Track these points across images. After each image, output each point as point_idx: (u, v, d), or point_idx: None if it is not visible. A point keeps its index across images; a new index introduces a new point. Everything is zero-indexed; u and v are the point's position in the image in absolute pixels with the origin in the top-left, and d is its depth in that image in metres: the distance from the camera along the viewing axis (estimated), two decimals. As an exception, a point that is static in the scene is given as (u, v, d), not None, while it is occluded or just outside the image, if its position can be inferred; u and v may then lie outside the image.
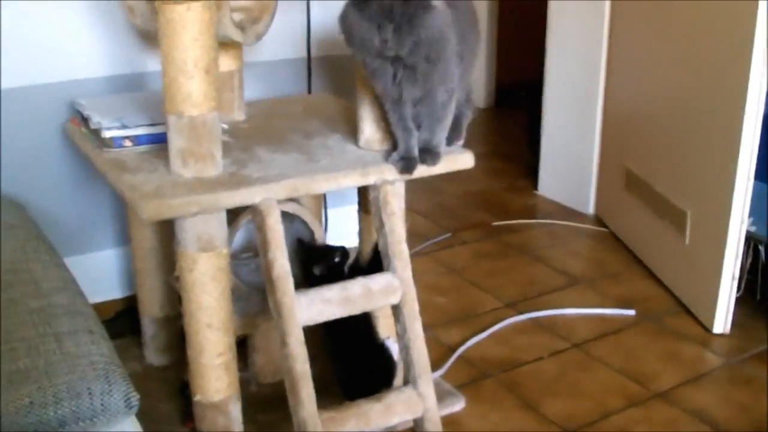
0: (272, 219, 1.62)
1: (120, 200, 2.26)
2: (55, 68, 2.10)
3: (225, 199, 1.60)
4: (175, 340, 2.15)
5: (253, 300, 1.93)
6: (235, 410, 1.81)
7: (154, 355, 2.16)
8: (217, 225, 1.66)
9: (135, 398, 1.30)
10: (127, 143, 1.81)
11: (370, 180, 1.73)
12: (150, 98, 2.03)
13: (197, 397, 1.77)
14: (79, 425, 1.24)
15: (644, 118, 2.76)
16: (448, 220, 3.13)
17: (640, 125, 2.78)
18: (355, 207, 2.58)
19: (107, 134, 1.79)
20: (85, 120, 1.93)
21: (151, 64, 2.22)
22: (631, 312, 2.47)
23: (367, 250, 1.94)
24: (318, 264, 1.86)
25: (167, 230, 2.05)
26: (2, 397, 1.21)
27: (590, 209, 3.20)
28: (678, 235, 2.52)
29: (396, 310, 1.75)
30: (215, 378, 1.76)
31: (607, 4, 2.93)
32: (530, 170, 3.55)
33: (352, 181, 1.71)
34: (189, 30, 1.55)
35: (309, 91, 2.44)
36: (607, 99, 3.03)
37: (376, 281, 1.72)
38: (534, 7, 3.91)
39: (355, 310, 1.70)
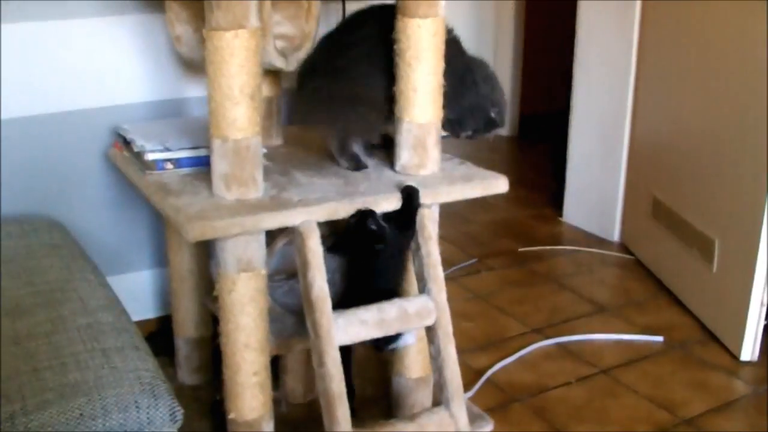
0: (312, 241, 1.66)
1: (157, 223, 2.31)
2: (98, 94, 2.16)
3: (266, 220, 1.64)
4: (207, 361, 2.19)
5: (287, 322, 1.96)
6: (268, 429, 1.84)
7: (186, 375, 2.19)
8: (257, 247, 1.70)
9: (179, 412, 1.34)
10: (169, 166, 1.86)
11: (407, 204, 1.76)
12: (190, 123, 2.08)
13: (232, 415, 1.80)
14: (127, 438, 1.28)
15: (671, 146, 2.79)
16: (474, 247, 3.16)
17: (668, 153, 2.81)
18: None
19: (150, 157, 1.84)
20: (127, 144, 1.98)
21: (191, 90, 2.27)
22: (659, 338, 2.48)
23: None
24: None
25: (204, 253, 2.10)
26: (54, 409, 1.25)
27: (616, 237, 3.22)
28: (705, 263, 2.54)
29: (430, 332, 1.78)
30: (250, 397, 1.79)
31: (636, 34, 2.97)
32: (555, 198, 3.58)
33: (391, 204, 1.75)
34: (236, 57, 1.59)
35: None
36: (633, 127, 3.06)
37: (412, 303, 1.75)
38: (559, 37, 3.95)
39: (391, 331, 1.74)
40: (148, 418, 1.29)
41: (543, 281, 2.92)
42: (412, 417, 1.74)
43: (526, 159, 4.32)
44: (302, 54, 1.90)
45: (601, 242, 3.23)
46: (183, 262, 2.10)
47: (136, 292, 2.34)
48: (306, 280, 1.67)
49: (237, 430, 1.81)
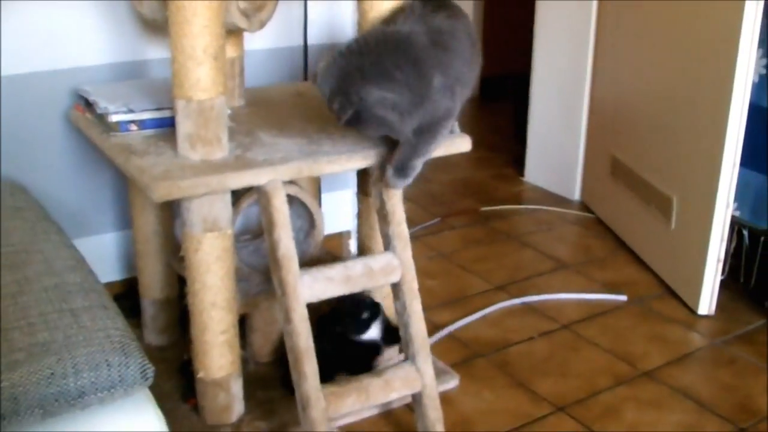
0: (278, 200, 1.67)
1: (121, 185, 2.29)
2: (57, 56, 2.13)
3: (232, 180, 1.65)
4: (174, 322, 2.20)
5: (253, 281, 1.98)
6: (237, 387, 1.86)
7: (153, 336, 2.20)
8: (223, 206, 1.71)
9: (150, 370, 1.35)
10: (133, 127, 1.85)
11: (369, 162, 1.78)
12: (153, 84, 2.07)
13: (200, 374, 1.82)
14: (98, 395, 1.29)
15: (630, 107, 2.83)
16: (437, 207, 3.19)
17: (627, 114, 2.85)
18: (349, 192, 2.66)
19: (114, 118, 1.83)
20: (89, 106, 1.97)
21: (152, 51, 2.25)
22: (623, 297, 2.53)
23: (366, 231, 1.99)
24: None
25: (168, 214, 2.10)
26: (24, 369, 1.25)
27: (576, 196, 3.26)
28: (664, 221, 2.59)
29: (395, 288, 1.81)
30: (218, 355, 1.81)
31: (596, -4, 3.00)
32: (516, 159, 3.61)
33: (355, 164, 1.76)
34: (199, 17, 1.59)
35: (305, 79, 2.48)
36: (593, 89, 3.10)
37: (377, 260, 1.78)
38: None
39: (357, 288, 1.76)
40: (119, 376, 1.30)
41: (505, 239, 2.95)
42: (379, 372, 1.76)
43: (488, 120, 4.35)
44: (265, 14, 1.90)
45: (561, 201, 3.28)
46: (147, 224, 2.09)
47: (101, 254, 2.33)
48: (272, 239, 1.68)
49: (205, 390, 1.83)
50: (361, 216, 2.01)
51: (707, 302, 2.42)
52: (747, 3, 2.15)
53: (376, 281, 1.78)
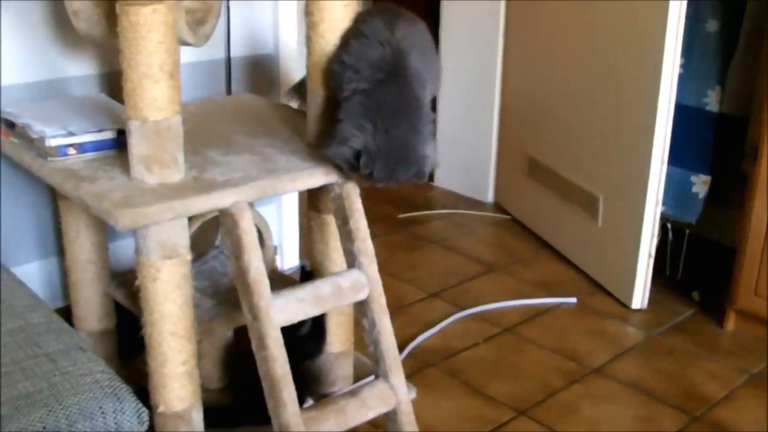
0: (245, 222, 1.60)
1: (42, 210, 2.16)
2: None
3: (197, 204, 1.57)
4: (113, 354, 2.08)
5: (205, 305, 1.90)
6: (198, 419, 1.77)
7: (89, 370, 2.07)
8: (181, 231, 1.63)
9: (145, 413, 1.27)
10: (72, 151, 1.74)
11: (332, 178, 1.73)
12: (81, 103, 1.95)
13: (160, 409, 1.72)
14: (93, 446, 1.20)
15: (546, 106, 2.86)
16: (353, 216, 3.14)
17: (542, 113, 2.88)
18: (272, 207, 2.59)
19: (52, 143, 1.71)
20: (11, 128, 1.84)
21: (71, 69, 2.12)
22: (573, 300, 2.56)
23: (320, 249, 1.93)
24: None
25: (103, 241, 1.99)
26: (13, 425, 1.15)
27: (490, 198, 3.29)
28: (589, 219, 2.63)
29: (364, 305, 1.76)
30: (179, 387, 1.72)
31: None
32: (423, 163, 3.60)
33: (318, 180, 1.71)
34: (154, 33, 1.50)
35: (228, 92, 2.40)
36: (504, 88, 3.11)
37: (344, 278, 1.73)
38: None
39: (328, 307, 1.72)
40: (115, 423, 1.21)
41: (427, 245, 2.95)
42: (354, 392, 1.72)
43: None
44: (208, 28, 1.82)
45: (476, 204, 3.29)
46: (82, 252, 1.97)
47: (23, 287, 2.18)
48: (241, 263, 1.60)
49: (166, 423, 1.74)
50: (313, 234, 1.95)
51: (640, 297, 2.48)
52: (671, 3, 2.21)
53: (345, 299, 1.73)
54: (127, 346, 2.01)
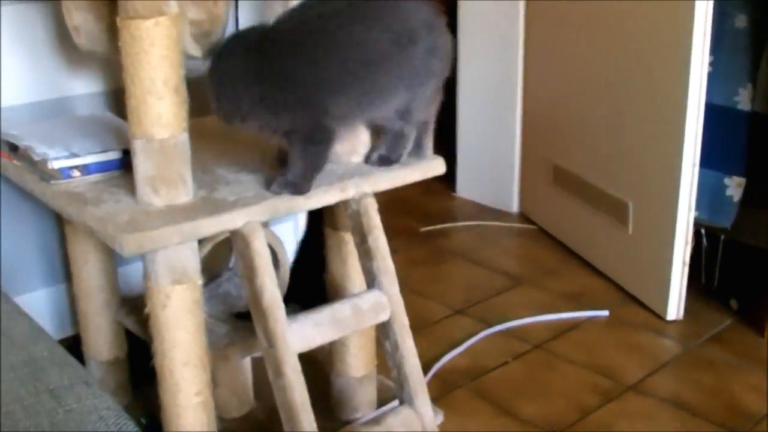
0: (257, 243, 1.54)
1: (49, 236, 2.11)
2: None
3: (206, 226, 1.51)
4: (125, 383, 2.04)
5: (219, 331, 1.85)
6: (215, 451, 1.72)
7: (101, 401, 2.02)
8: (191, 254, 1.57)
9: (154, 452, 1.20)
10: (76, 173, 1.69)
11: (349, 194, 1.67)
12: (83, 122, 1.91)
13: (174, 442, 1.66)
14: (99, 489, 1.14)
15: (571, 110, 2.79)
16: (372, 230, 3.09)
17: (567, 118, 2.81)
18: (290, 225, 2.53)
19: (55, 165, 1.66)
20: (14, 150, 1.79)
21: (74, 87, 2.08)
22: (605, 312, 2.48)
23: (338, 269, 1.87)
24: None
25: (112, 266, 1.94)
26: (13, 468, 1.09)
27: (514, 207, 3.21)
28: (619, 226, 2.56)
29: (385, 327, 1.70)
30: (193, 419, 1.66)
31: (522, -3, 2.95)
32: (444, 173, 3.54)
33: (333, 197, 1.65)
34: (157, 47, 1.45)
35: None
36: (526, 93, 3.04)
37: (364, 299, 1.66)
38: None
39: (347, 330, 1.66)
40: (123, 464, 1.15)
41: (451, 258, 2.88)
42: (378, 419, 1.65)
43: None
44: (213, 39, 1.76)
45: (500, 214, 3.22)
46: (90, 278, 1.93)
47: (32, 315, 2.13)
48: (255, 286, 1.55)
49: (181, 458, 1.68)
50: (330, 252, 1.89)
51: (675, 307, 2.40)
52: (697, 2, 2.14)
53: (366, 321, 1.67)
54: (140, 374, 1.95)
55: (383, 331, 1.71)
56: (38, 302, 2.15)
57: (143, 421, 1.90)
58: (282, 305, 1.55)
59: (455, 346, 2.31)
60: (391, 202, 3.37)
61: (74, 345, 2.02)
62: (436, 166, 1.83)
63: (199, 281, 1.60)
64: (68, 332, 2.18)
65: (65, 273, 2.10)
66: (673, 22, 2.24)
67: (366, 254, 1.70)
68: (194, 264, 1.58)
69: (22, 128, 1.84)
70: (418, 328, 2.39)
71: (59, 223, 2.02)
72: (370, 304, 1.67)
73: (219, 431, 1.91)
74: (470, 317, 2.48)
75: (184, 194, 1.56)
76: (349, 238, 1.80)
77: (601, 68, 2.59)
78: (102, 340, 1.98)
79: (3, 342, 1.38)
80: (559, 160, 2.88)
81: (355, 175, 1.70)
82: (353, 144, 1.75)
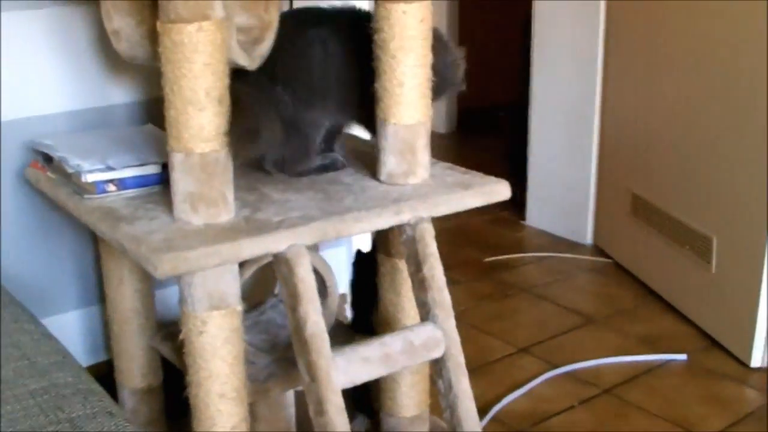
0: (302, 269, 1.51)
1: (83, 254, 2.11)
2: (7, 105, 1.95)
3: (247, 248, 1.49)
4: (159, 414, 2.03)
5: (260, 363, 1.82)
6: (251, 492, 1.69)
7: (134, 432, 2.01)
8: (231, 279, 1.55)
9: (178, 492, 1.17)
10: (111, 188, 1.68)
11: (404, 218, 1.64)
12: (123, 134, 1.92)
13: (208, 480, 1.64)
14: None
15: (652, 137, 2.75)
16: (433, 259, 3.07)
17: (647, 145, 2.77)
18: (342, 249, 2.51)
19: (89, 178, 1.66)
20: (50, 162, 1.80)
21: (116, 96, 2.08)
22: (683, 357, 2.43)
23: (391, 298, 1.84)
24: None
25: (148, 288, 1.93)
26: (25, 504, 1.07)
27: (588, 239, 3.17)
28: (702, 263, 2.51)
29: (439, 364, 1.66)
30: (229, 455, 1.64)
31: (602, 19, 2.92)
32: (514, 201, 3.49)
33: (386, 221, 1.62)
34: (200, 54, 1.44)
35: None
36: (604, 118, 3.01)
37: (417, 334, 1.62)
38: (498, 26, 3.93)
39: (397, 367, 1.62)
40: (143, 503, 1.12)
41: (517, 293, 2.85)
42: (427, 466, 1.61)
43: (471, 157, 4.23)
44: (264, 48, 1.75)
45: (572, 246, 3.19)
46: (125, 300, 1.92)
47: (64, 337, 2.13)
48: (297, 316, 1.52)
49: (214, 497, 1.65)
50: (383, 281, 1.86)
51: (760, 353, 2.35)
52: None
53: (418, 358, 1.63)
54: (176, 405, 1.94)
55: (437, 368, 1.67)
56: (69, 325, 2.15)
57: (176, 456, 1.88)
58: (326, 336, 1.52)
59: (517, 388, 2.28)
60: (455, 230, 3.36)
61: (107, 371, 2.02)
62: (500, 190, 1.78)
63: (239, 307, 1.58)
64: (100, 357, 2.17)
65: (99, 294, 2.09)
66: (760, 42, 2.19)
67: (420, 284, 1.66)
68: (234, 289, 1.56)
69: (57, 138, 1.86)
70: (477, 366, 2.36)
71: (94, 240, 2.02)
72: (423, 339, 1.62)
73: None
74: (534, 357, 2.44)
75: (225, 213, 1.55)
76: (403, 266, 1.77)
77: (687, 91, 2.54)
78: (135, 366, 1.97)
79: (24, 367, 1.38)
80: (638, 188, 2.83)
81: (412, 198, 1.66)
82: (410, 164, 1.72)
